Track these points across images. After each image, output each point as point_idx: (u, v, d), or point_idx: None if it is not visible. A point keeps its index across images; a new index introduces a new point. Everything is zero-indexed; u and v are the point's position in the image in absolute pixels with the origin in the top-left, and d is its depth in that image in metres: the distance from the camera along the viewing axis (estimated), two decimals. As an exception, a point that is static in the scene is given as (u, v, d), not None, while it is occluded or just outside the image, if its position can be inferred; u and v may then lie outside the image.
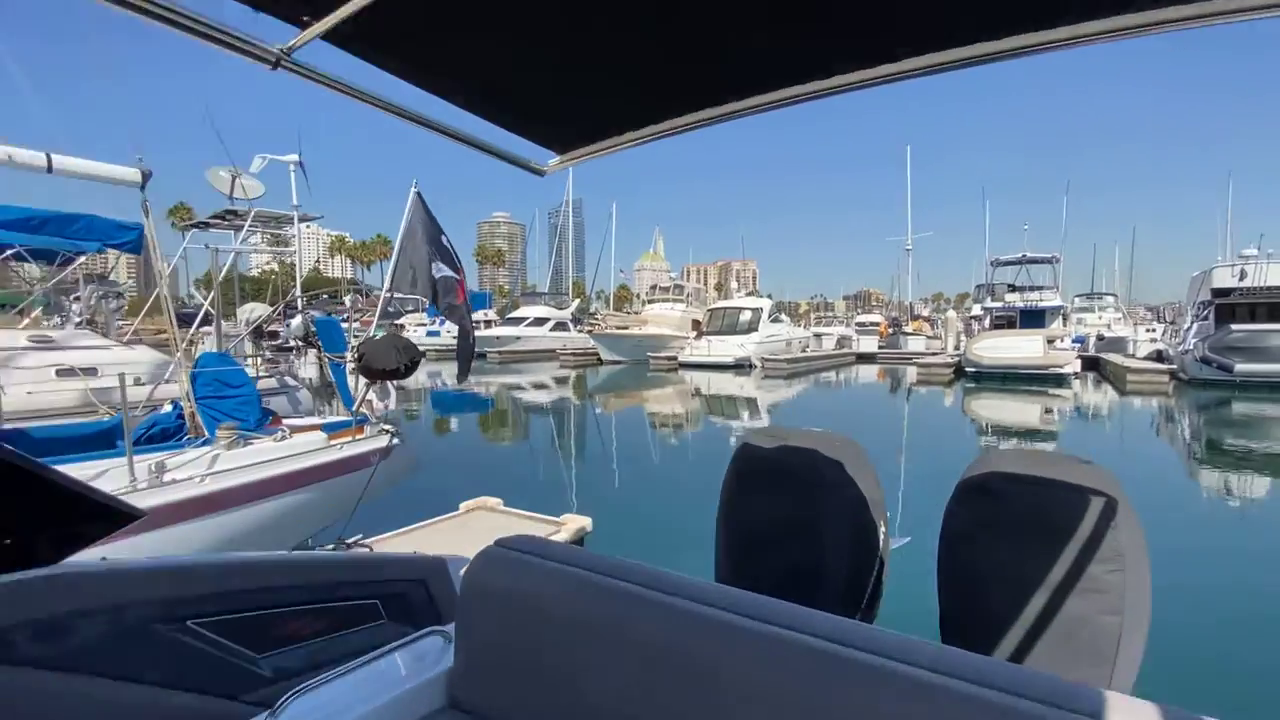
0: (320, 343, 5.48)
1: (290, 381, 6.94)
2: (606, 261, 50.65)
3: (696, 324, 28.29)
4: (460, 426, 13.13)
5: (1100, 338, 25.42)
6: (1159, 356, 21.52)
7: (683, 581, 1.02)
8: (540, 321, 31.37)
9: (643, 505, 6.13)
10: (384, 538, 3.48)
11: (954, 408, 15.54)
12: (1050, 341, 18.63)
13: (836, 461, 2.19)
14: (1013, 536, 1.84)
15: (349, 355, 4.49)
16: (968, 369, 19.94)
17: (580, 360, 28.59)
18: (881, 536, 2.28)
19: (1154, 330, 25.18)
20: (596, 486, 7.02)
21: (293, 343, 6.51)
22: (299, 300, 7.29)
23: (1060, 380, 18.49)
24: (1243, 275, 17.73)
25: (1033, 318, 20.70)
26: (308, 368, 6.67)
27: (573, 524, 3.41)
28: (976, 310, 26.83)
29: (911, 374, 23.00)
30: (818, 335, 31.49)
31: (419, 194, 4.45)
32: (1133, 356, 22.61)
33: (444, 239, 4.53)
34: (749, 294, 31.17)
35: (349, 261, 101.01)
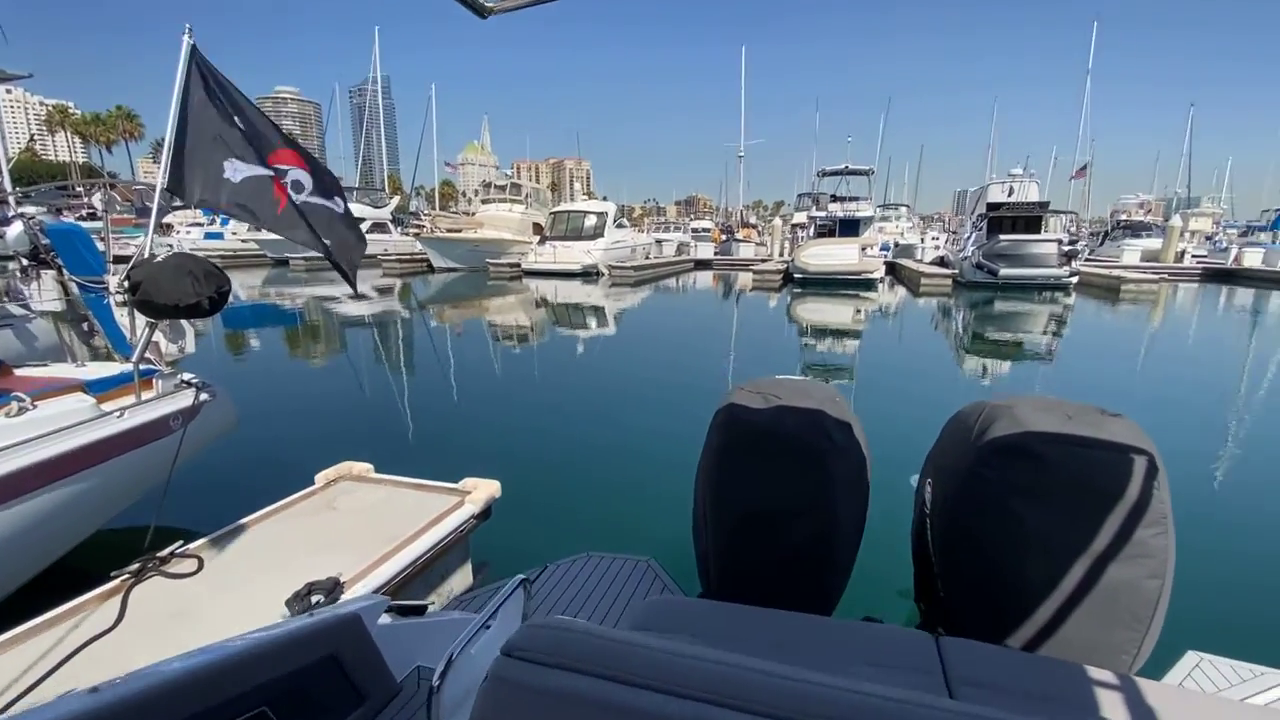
0: (61, 261, 3.88)
1: (15, 311, 5.01)
2: (428, 154, 45.32)
3: (538, 228, 26.82)
4: (272, 360, 10.20)
5: (895, 245, 28.86)
6: (942, 262, 25.08)
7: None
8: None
9: (549, 452, 5.44)
10: (216, 536, 2.55)
11: (781, 310, 16.69)
12: (864, 249, 20.61)
13: (843, 423, 1.85)
14: (1055, 502, 1.63)
15: (114, 282, 3.16)
16: (795, 275, 21.49)
17: (407, 267, 25.89)
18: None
19: (938, 239, 29.23)
20: (480, 431, 6.08)
21: (14, 262, 4.54)
22: (8, 197, 5.09)
23: (870, 284, 20.72)
24: (1011, 192, 20.89)
25: (849, 226, 22.66)
26: (44, 296, 4.79)
27: (481, 491, 2.79)
28: (800, 218, 28.75)
29: (745, 280, 24.30)
30: (659, 242, 31.77)
31: (194, 47, 3.05)
32: (921, 262, 26.08)
33: (244, 117, 3.22)
34: (586, 196, 29.98)
35: (78, 140, 78.81)
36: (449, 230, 25.73)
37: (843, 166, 23.88)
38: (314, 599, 1.95)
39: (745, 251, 31.96)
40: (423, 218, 30.59)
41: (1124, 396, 8.07)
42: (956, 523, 1.72)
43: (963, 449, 1.75)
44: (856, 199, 23.92)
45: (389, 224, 30.21)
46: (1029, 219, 19.98)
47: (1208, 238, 34.63)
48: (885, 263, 22.80)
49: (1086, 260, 23.98)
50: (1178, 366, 10.27)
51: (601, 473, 5.00)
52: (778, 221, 32.57)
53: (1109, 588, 1.52)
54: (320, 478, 2.98)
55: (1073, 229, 21.78)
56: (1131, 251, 26.77)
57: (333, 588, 2.01)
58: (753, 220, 53.65)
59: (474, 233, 26.11)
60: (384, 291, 20.13)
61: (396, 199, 33.97)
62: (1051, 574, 1.56)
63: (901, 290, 21.21)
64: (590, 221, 24.49)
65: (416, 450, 5.53)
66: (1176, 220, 27.93)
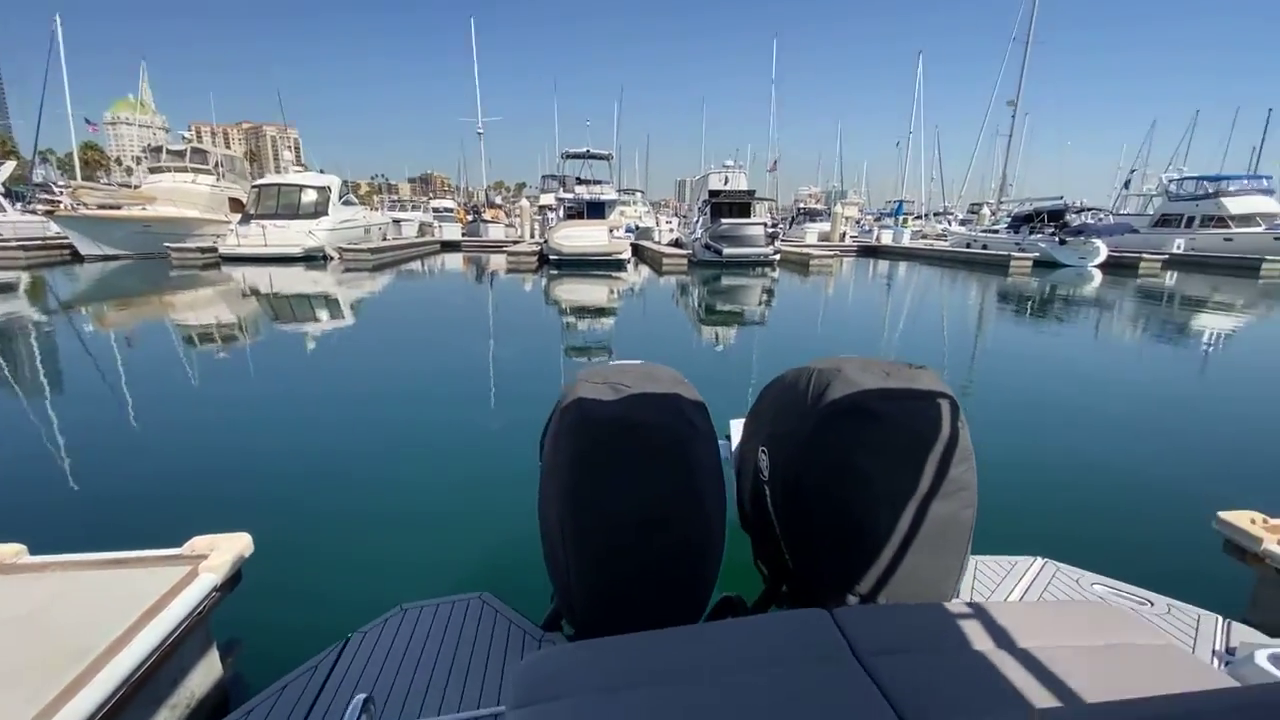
0: None
1: None
2: (55, 107, 33.99)
3: (238, 204, 22.25)
4: None
5: (636, 228, 30.99)
6: (678, 244, 27.69)
7: None
8: (-65, 194, 19.54)
9: (311, 484, 4.18)
10: None
11: (540, 291, 16.65)
12: (611, 231, 21.61)
13: (699, 404, 1.72)
14: (892, 454, 1.74)
15: None
16: (550, 256, 21.59)
17: (36, 256, 19.38)
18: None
19: (670, 222, 32.18)
20: (202, 472, 4.39)
21: None
22: None
23: (620, 265, 21.85)
24: (726, 181, 23.85)
25: (596, 209, 23.51)
26: None
27: (223, 551, 2.02)
28: (548, 200, 28.93)
29: (498, 262, 23.62)
30: (397, 221, 28.96)
31: None
32: (659, 244, 28.44)
33: None
34: (301, 169, 25.68)
35: None
36: (103, 207, 19.82)
37: (584, 150, 24.57)
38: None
39: (495, 233, 31.08)
40: (57, 191, 23.07)
41: (834, 344, 9.89)
42: (803, 486, 1.73)
43: (800, 414, 1.76)
44: (600, 182, 24.88)
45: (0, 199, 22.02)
46: (741, 205, 23.11)
47: (856, 222, 44.45)
48: (631, 244, 24.23)
49: (782, 241, 28.80)
50: (858, 317, 12.95)
51: (391, 501, 4.07)
52: (525, 203, 32.31)
53: (937, 523, 1.66)
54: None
55: (775, 214, 25.89)
56: (811, 233, 32.99)
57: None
58: (498, 201, 52.46)
59: (142, 210, 20.54)
60: (5, 288, 14.62)
61: (10, 166, 24.75)
62: (895, 521, 1.65)
63: (646, 270, 22.82)
64: (310, 197, 21.12)
65: (99, 512, 3.81)
66: (839, 208, 35.23)
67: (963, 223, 40.56)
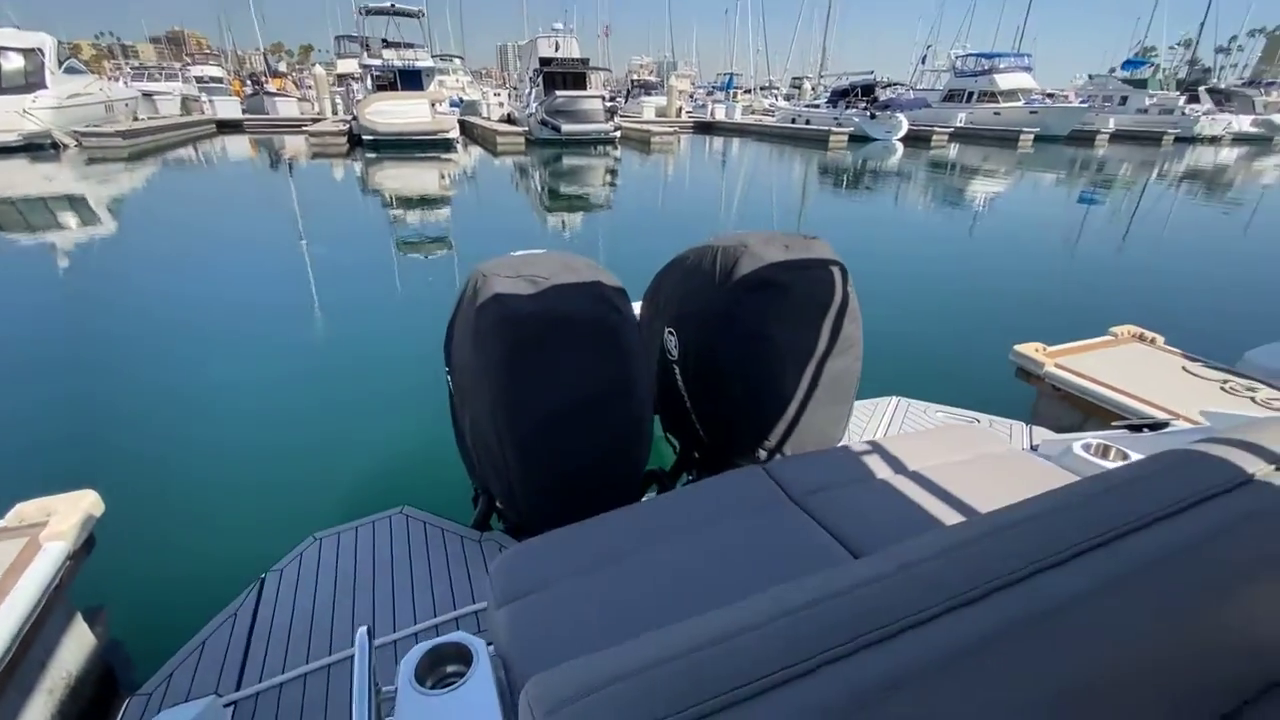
0: None
1: None
2: None
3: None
4: None
5: (461, 101, 27.93)
6: (510, 120, 25.53)
7: None
8: None
9: (148, 431, 3.46)
10: None
11: (355, 180, 14.73)
12: (434, 105, 19.28)
13: (619, 289, 1.68)
14: (795, 320, 1.90)
15: None
16: (363, 137, 18.92)
17: None
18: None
19: (499, 94, 29.35)
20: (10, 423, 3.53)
21: None
22: None
23: (447, 145, 19.83)
24: (557, 47, 22.01)
25: (411, 79, 20.63)
26: None
27: (63, 516, 1.65)
28: (349, 67, 24.80)
29: (297, 145, 20.24)
30: (149, 95, 23.13)
31: None
32: (490, 120, 26.07)
33: None
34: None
35: None
36: None
37: (389, 4, 20.94)
38: None
39: (286, 109, 26.26)
40: None
41: (689, 225, 10.13)
42: (718, 360, 1.82)
43: (710, 292, 1.81)
44: (411, 46, 21.67)
45: None
46: (576, 75, 21.66)
47: (690, 96, 44.14)
48: (458, 121, 21.93)
49: (621, 116, 27.90)
50: (707, 196, 13.29)
51: (258, 434, 3.59)
52: (320, 70, 27.34)
53: (832, 376, 1.86)
54: None
55: (611, 87, 24.70)
56: (648, 108, 32.22)
57: None
58: (281, 69, 43.83)
59: None
60: None
61: None
62: (799, 380, 1.82)
63: (478, 151, 21.00)
64: (14, 64, 15.94)
65: None
66: (674, 82, 34.52)
67: (786, 98, 42.08)
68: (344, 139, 18.93)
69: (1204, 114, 28.70)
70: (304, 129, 20.69)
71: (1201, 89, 32.13)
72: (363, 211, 11.38)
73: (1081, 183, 16.77)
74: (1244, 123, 29.16)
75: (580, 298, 1.51)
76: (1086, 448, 1.60)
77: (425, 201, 12.43)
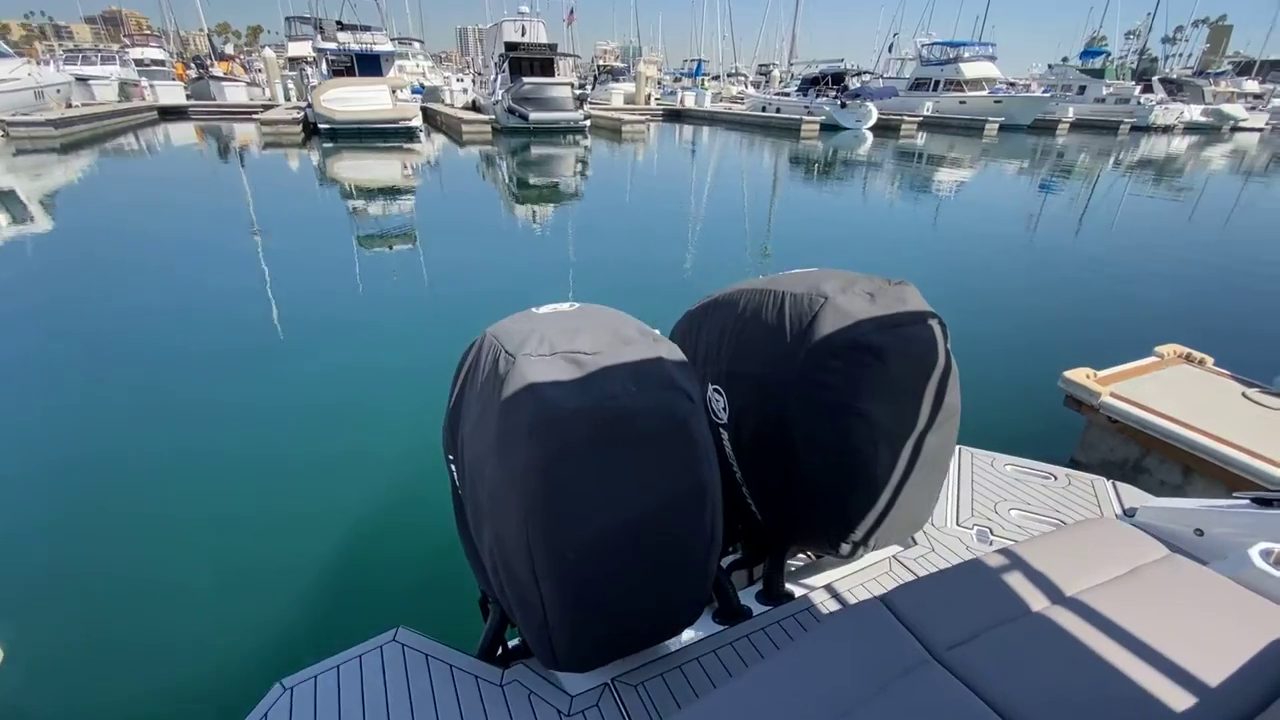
0: None
1: None
2: None
3: None
4: None
5: (423, 87, 26.85)
6: (474, 106, 24.62)
7: None
8: None
9: (58, 547, 2.73)
10: None
11: (313, 170, 13.90)
12: (394, 91, 18.39)
13: (682, 364, 1.33)
14: (893, 390, 1.55)
15: None
16: (320, 125, 17.96)
17: None
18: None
19: (463, 80, 28.29)
20: None
21: None
22: None
23: (410, 134, 18.99)
24: (524, 32, 21.24)
25: (370, 64, 19.64)
26: None
27: None
28: (301, 50, 23.55)
29: (248, 134, 19.13)
30: (84, 80, 21.51)
31: None
32: (454, 107, 25.12)
33: None
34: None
35: None
36: None
37: (342, -15, 19.85)
38: None
39: (235, 95, 24.86)
40: None
41: (669, 219, 9.76)
42: (787, 435, 1.49)
43: (779, 352, 1.47)
44: (368, 28, 20.61)
45: None
46: (544, 61, 20.95)
47: (658, 83, 43.48)
48: (420, 108, 21.02)
49: (590, 104, 27.24)
50: (684, 189, 12.91)
51: (197, 534, 2.83)
52: (270, 53, 25.92)
53: (931, 453, 1.55)
54: None
55: (579, 73, 24.01)
56: (616, 95, 31.54)
57: None
58: (228, 51, 41.62)
59: None
60: None
61: None
62: (894, 460, 1.51)
63: (442, 139, 20.17)
64: (-78, 42, 14.55)
65: None
66: (642, 67, 33.85)
67: (754, 84, 41.79)
68: (299, 127, 17.91)
69: (1158, 103, 29.50)
70: (255, 116, 19.53)
71: (1155, 79, 33.04)
72: (321, 205, 10.68)
73: (1079, 174, 16.94)
74: (1195, 112, 30.09)
75: (641, 383, 1.16)
76: (1267, 556, 1.32)
77: (387, 191, 11.78)
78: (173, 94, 23.53)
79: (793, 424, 1.46)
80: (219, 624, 2.34)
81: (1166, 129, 29.66)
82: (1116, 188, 14.71)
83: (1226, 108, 30.65)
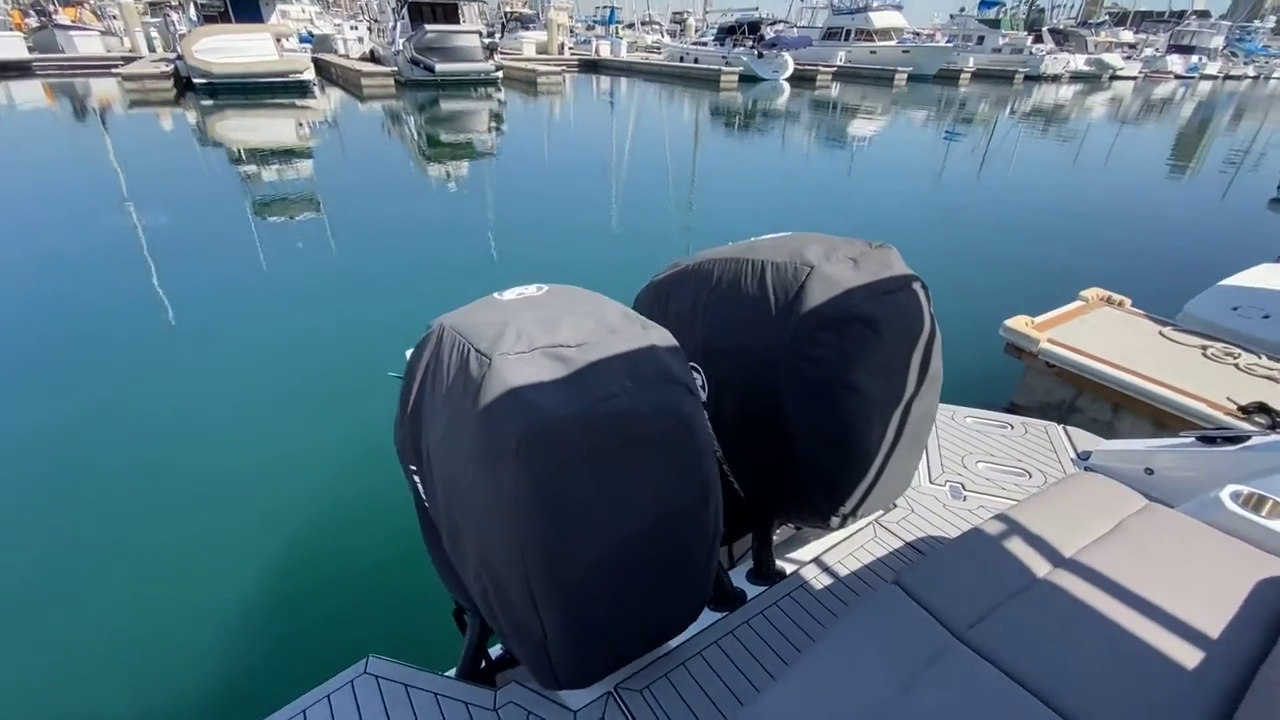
0: None
1: None
2: None
3: None
4: None
5: (312, 36, 24.44)
6: (373, 57, 22.68)
7: None
8: None
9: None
10: None
11: (190, 132, 12.44)
12: (280, 40, 16.61)
13: (676, 349, 1.20)
14: (884, 359, 1.50)
15: None
16: (196, 80, 16.03)
17: None
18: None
19: (357, 28, 25.89)
20: None
21: None
22: None
23: (303, 89, 17.33)
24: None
25: (246, 8, 17.53)
26: None
27: None
28: (164, -7, 20.77)
29: (108, 91, 16.84)
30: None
31: None
32: (347, 57, 23.06)
33: None
34: None
35: None
36: None
37: (206, -85, 17.41)
38: None
39: (88, 46, 21.73)
40: None
41: (595, 179, 9.43)
42: (776, 412, 1.42)
43: (763, 326, 1.38)
44: (242, -32, 18.32)
45: None
46: (447, 7, 19.47)
47: (571, 31, 41.61)
48: (312, 59, 19.13)
49: (500, 54, 25.74)
50: (599, 140, 12.52)
51: (109, 567, 2.48)
52: (125, -3, 22.71)
53: (917, 419, 1.53)
54: None
55: (487, 19, 22.54)
56: (528, 44, 29.95)
57: None
58: (72, -7, 36.03)
59: None
60: None
61: None
62: (884, 433, 1.47)
63: (339, 94, 18.52)
64: None
65: None
66: (553, 14, 32.19)
67: (669, 33, 40.82)
68: (169, 82, 15.90)
69: (1048, 53, 31.20)
70: (115, 70, 17.15)
71: (1044, 29, 34.83)
72: (206, 172, 9.58)
73: (988, 123, 17.64)
74: (1079, 61, 32.08)
75: (637, 378, 1.03)
76: (1237, 498, 1.37)
77: (279, 153, 10.73)
78: (11, 46, 20.22)
79: (783, 400, 1.38)
80: (151, 681, 2.03)
81: (1055, 78, 31.50)
82: (1013, 135, 15.54)
83: (1106, 57, 32.85)
